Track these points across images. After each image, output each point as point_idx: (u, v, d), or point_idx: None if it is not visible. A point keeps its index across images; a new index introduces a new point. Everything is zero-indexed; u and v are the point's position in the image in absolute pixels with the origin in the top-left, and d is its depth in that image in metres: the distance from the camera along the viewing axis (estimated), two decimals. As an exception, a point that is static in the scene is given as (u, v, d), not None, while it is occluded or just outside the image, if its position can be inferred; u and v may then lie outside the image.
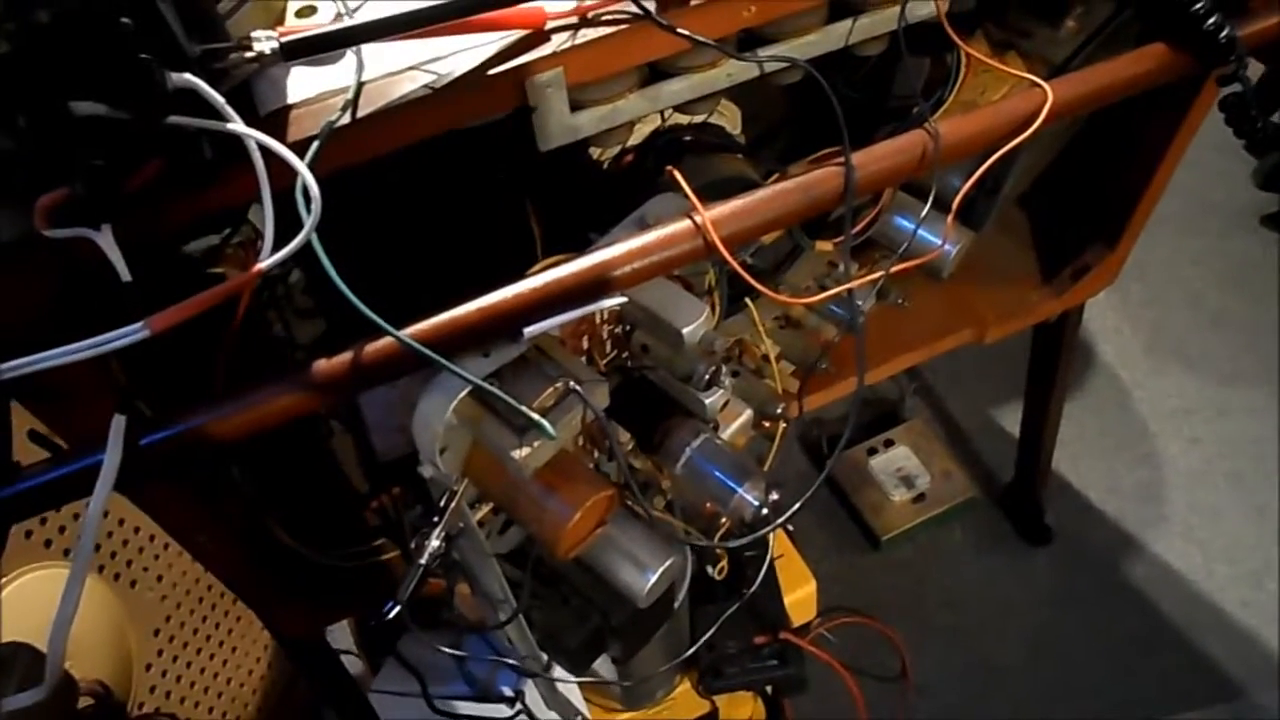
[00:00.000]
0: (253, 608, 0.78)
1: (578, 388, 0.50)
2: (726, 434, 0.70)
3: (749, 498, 0.60)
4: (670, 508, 0.76)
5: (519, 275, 0.53)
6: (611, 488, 0.55)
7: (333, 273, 0.43)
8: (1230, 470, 1.55)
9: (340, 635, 1.16)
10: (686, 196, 0.52)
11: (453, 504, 0.51)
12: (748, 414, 0.72)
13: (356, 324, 0.45)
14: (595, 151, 0.71)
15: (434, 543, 0.50)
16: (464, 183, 0.68)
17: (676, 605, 0.78)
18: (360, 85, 0.49)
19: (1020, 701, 1.35)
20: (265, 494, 0.72)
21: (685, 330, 0.56)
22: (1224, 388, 1.65)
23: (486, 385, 0.46)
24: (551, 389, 0.51)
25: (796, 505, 0.55)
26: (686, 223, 0.51)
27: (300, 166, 0.42)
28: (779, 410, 0.80)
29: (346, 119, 0.48)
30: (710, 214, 0.51)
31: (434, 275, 0.68)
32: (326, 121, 0.47)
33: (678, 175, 0.53)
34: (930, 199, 0.65)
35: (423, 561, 0.49)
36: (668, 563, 0.60)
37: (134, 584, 0.92)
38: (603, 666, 0.85)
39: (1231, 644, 1.37)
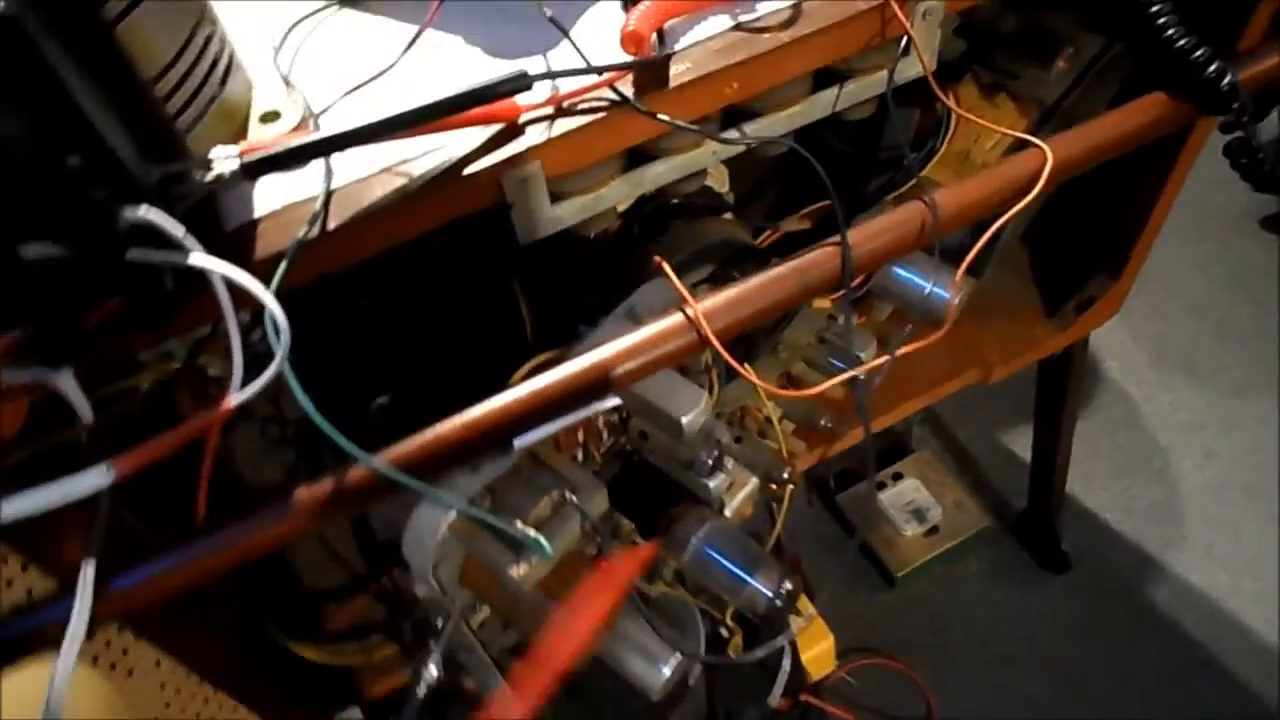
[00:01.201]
0: (255, 712, 0.75)
1: (574, 499, 0.47)
2: (733, 505, 0.68)
3: (762, 589, 0.58)
4: (680, 578, 0.73)
5: (506, 377, 0.50)
6: (616, 591, 0.52)
7: (309, 407, 0.40)
8: (1246, 483, 1.52)
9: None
10: (676, 288, 0.50)
11: (449, 627, 0.48)
12: (754, 483, 0.69)
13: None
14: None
15: (432, 671, 0.47)
16: (448, 269, 0.66)
17: (691, 684, 0.76)
18: (329, 194, 0.47)
19: (1050, 735, 1.31)
20: (259, 594, 0.69)
21: (684, 420, 0.54)
22: (1233, 399, 1.62)
23: (475, 511, 0.43)
24: (547, 499, 0.48)
25: (812, 611, 0.52)
26: (679, 317, 0.49)
27: (268, 299, 0.39)
28: (785, 474, 0.77)
29: (316, 232, 0.46)
30: (702, 306, 0.49)
31: (424, 364, 0.66)
32: (294, 239, 0.44)
33: (665, 266, 0.51)
34: (935, 252, 0.63)
35: (421, 694, 0.46)
36: (679, 655, 0.58)
37: (131, 672, 0.89)
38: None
39: (1262, 663, 1.34)
